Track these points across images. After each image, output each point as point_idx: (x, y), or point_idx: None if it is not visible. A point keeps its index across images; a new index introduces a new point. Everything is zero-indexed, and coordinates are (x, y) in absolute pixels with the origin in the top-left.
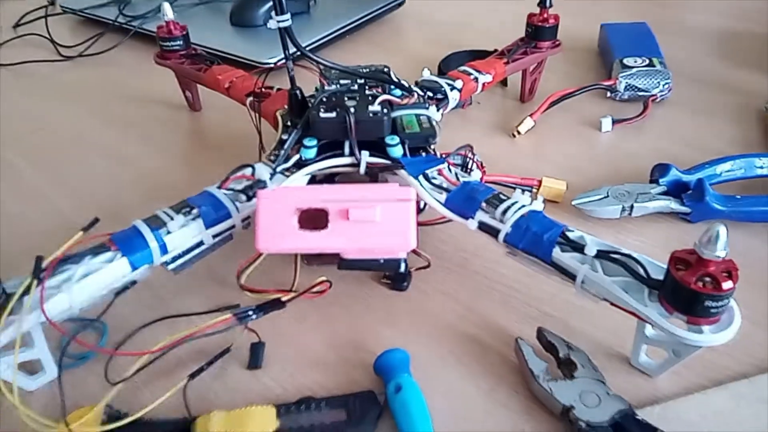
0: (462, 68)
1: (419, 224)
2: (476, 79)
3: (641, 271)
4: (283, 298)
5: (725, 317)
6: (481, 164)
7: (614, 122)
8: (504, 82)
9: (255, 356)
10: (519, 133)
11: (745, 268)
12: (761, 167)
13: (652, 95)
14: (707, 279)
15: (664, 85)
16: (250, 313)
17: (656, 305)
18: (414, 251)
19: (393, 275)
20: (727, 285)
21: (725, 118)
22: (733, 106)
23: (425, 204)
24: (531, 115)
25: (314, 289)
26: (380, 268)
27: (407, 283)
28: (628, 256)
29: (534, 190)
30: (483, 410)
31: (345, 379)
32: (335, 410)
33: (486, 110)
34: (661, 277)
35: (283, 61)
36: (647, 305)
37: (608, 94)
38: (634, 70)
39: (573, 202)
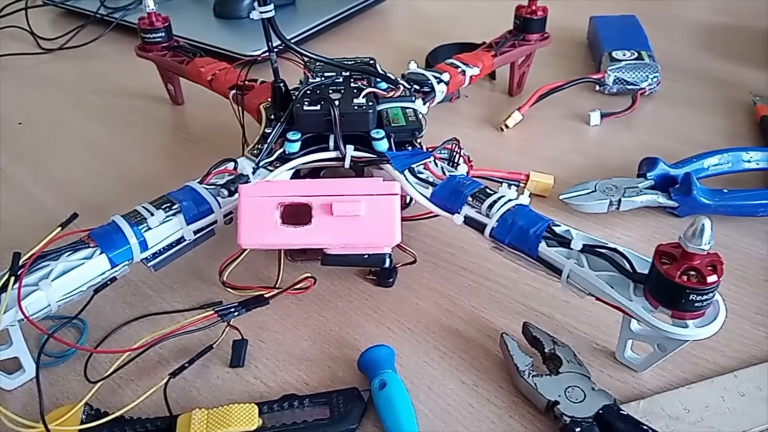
0: (449, 61)
1: (406, 219)
2: (463, 72)
3: (627, 266)
4: (266, 295)
5: (710, 311)
6: (468, 158)
7: (603, 116)
8: (492, 75)
9: (237, 354)
10: (507, 126)
11: (732, 262)
12: (748, 161)
13: (641, 89)
14: (692, 273)
15: (652, 79)
16: (233, 310)
17: (641, 300)
18: (400, 246)
19: (378, 271)
20: (711, 279)
21: (713, 111)
22: (722, 100)
23: (411, 198)
24: (519, 109)
25: (298, 286)
26: (365, 263)
27: (393, 279)
28: (614, 250)
29: (521, 185)
30: (467, 405)
31: (329, 375)
32: (318, 407)
33: (474, 103)
34: (646, 272)
35: (267, 53)
36: (632, 300)
37: (597, 87)
38: (623, 63)
39: (560, 197)
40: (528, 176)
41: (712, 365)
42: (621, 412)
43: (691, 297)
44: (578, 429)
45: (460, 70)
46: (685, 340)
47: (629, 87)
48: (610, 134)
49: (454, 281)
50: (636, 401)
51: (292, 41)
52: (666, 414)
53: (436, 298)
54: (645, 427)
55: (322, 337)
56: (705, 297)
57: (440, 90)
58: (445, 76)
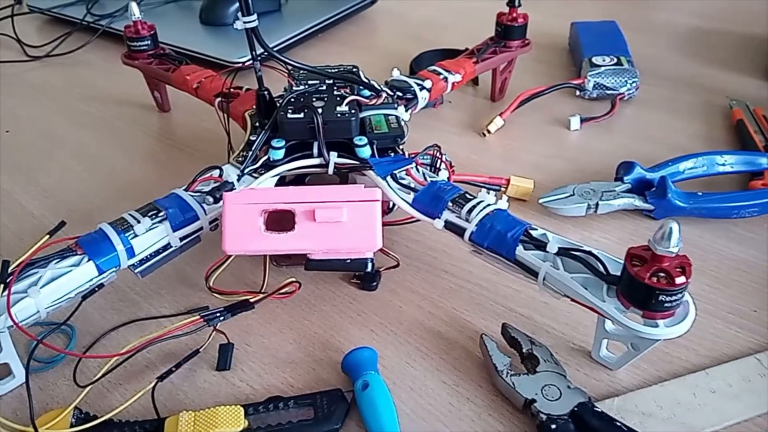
0: (431, 68)
1: (389, 224)
2: (446, 78)
3: (600, 268)
4: (252, 300)
5: (680, 311)
6: (450, 164)
7: (582, 120)
8: (475, 81)
9: (224, 357)
10: (489, 132)
11: (706, 263)
12: (723, 164)
13: (620, 94)
14: (661, 274)
15: (631, 84)
16: (218, 314)
17: (614, 301)
18: (383, 251)
19: (362, 275)
20: (680, 280)
21: (691, 115)
22: (700, 104)
23: (394, 204)
24: (501, 114)
25: (283, 290)
26: (348, 268)
27: (376, 283)
28: (588, 253)
29: (502, 189)
30: (448, 404)
31: (314, 377)
32: (303, 409)
33: (457, 109)
34: (619, 274)
35: (251, 61)
36: (605, 301)
37: (577, 92)
38: (603, 68)
39: (539, 201)
40: (508, 181)
41: (685, 363)
42: (595, 409)
43: (660, 297)
44: (554, 426)
45: (442, 77)
46: (656, 339)
47: (609, 92)
48: (590, 139)
49: (437, 284)
50: (610, 399)
51: (278, 47)
52: (639, 411)
53: (418, 300)
54: (618, 424)
55: (307, 341)
56: (674, 298)
57: (422, 97)
58: (428, 83)
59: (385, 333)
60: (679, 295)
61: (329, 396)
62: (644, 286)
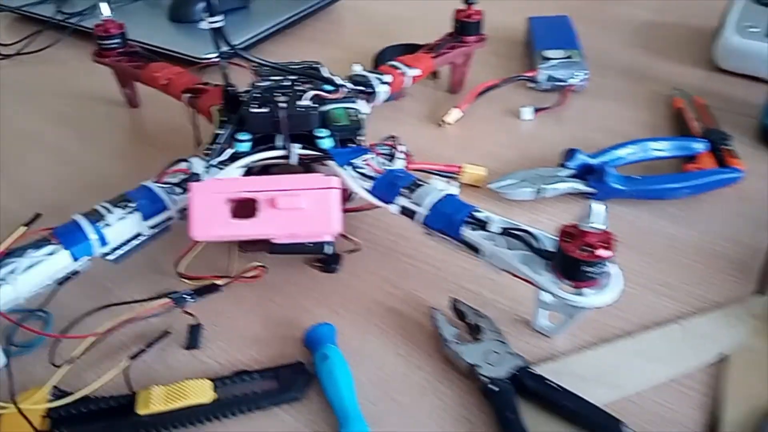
0: (391, 63)
1: (350, 210)
2: (405, 73)
3: (537, 245)
4: (219, 283)
5: (606, 282)
6: (407, 153)
7: (535, 111)
8: (435, 74)
9: (193, 337)
10: (446, 122)
11: (642, 240)
12: (659, 150)
13: (570, 85)
14: (586, 248)
15: (580, 76)
16: (187, 296)
17: (549, 274)
18: (344, 236)
19: (324, 258)
20: (602, 253)
21: (637, 104)
22: (645, 94)
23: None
24: (458, 106)
25: (249, 274)
26: (308, 251)
27: (337, 266)
28: (527, 231)
29: (457, 176)
30: (402, 373)
31: (278, 353)
32: (267, 380)
33: (418, 102)
34: (554, 250)
35: (218, 59)
36: (541, 274)
37: (531, 84)
38: (554, 61)
39: (488, 186)
40: (461, 168)
41: (618, 330)
42: (533, 372)
43: (585, 269)
44: (495, 388)
45: (401, 71)
46: (584, 307)
47: (560, 84)
48: (542, 128)
49: (396, 266)
50: (546, 362)
51: (246, 44)
52: (574, 374)
53: (377, 281)
54: (553, 385)
55: (272, 320)
56: (597, 269)
57: (383, 90)
58: (387, 78)
59: (345, 311)
60: (602, 267)
61: (292, 368)
62: (571, 258)
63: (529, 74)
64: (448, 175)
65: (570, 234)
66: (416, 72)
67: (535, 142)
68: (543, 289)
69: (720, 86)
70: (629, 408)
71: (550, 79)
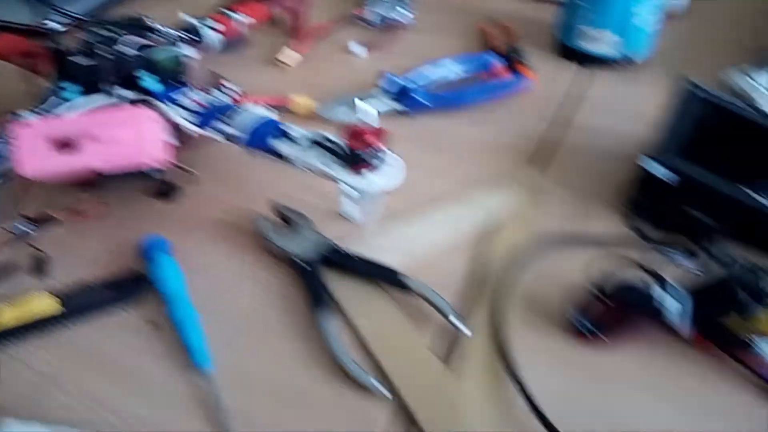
0: (221, 9)
1: (186, 144)
2: (234, 19)
3: (336, 148)
4: (59, 217)
5: (386, 169)
6: (240, 92)
7: (366, 47)
8: (276, 20)
9: (39, 266)
10: (281, 62)
11: (445, 141)
12: (455, 66)
13: (398, 22)
14: (361, 140)
15: (406, 13)
16: (25, 228)
17: (345, 170)
18: (182, 168)
19: (162, 190)
20: (371, 141)
21: (455, 35)
22: (463, 26)
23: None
24: (295, 48)
25: (90, 209)
26: (136, 179)
27: (175, 194)
28: (327, 138)
29: (291, 110)
30: (233, 273)
31: (121, 270)
32: (109, 289)
33: (262, 48)
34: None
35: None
36: (336, 170)
37: (364, 23)
38: (384, 2)
39: (315, 111)
40: (290, 100)
41: (417, 210)
42: (339, 251)
43: (360, 155)
44: (309, 268)
45: (230, 18)
46: (365, 189)
47: (389, 22)
48: (374, 63)
49: (234, 189)
50: (354, 243)
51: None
52: (374, 247)
53: (216, 204)
54: (354, 257)
55: (117, 247)
56: (372, 155)
57: (211, 35)
58: (215, 24)
59: (184, 232)
60: (375, 153)
61: (130, 276)
62: (350, 149)
63: (358, 13)
64: (280, 108)
65: (353, 132)
66: (244, 18)
67: (366, 75)
68: (339, 181)
69: (533, 13)
70: (415, 267)
71: (378, 17)
